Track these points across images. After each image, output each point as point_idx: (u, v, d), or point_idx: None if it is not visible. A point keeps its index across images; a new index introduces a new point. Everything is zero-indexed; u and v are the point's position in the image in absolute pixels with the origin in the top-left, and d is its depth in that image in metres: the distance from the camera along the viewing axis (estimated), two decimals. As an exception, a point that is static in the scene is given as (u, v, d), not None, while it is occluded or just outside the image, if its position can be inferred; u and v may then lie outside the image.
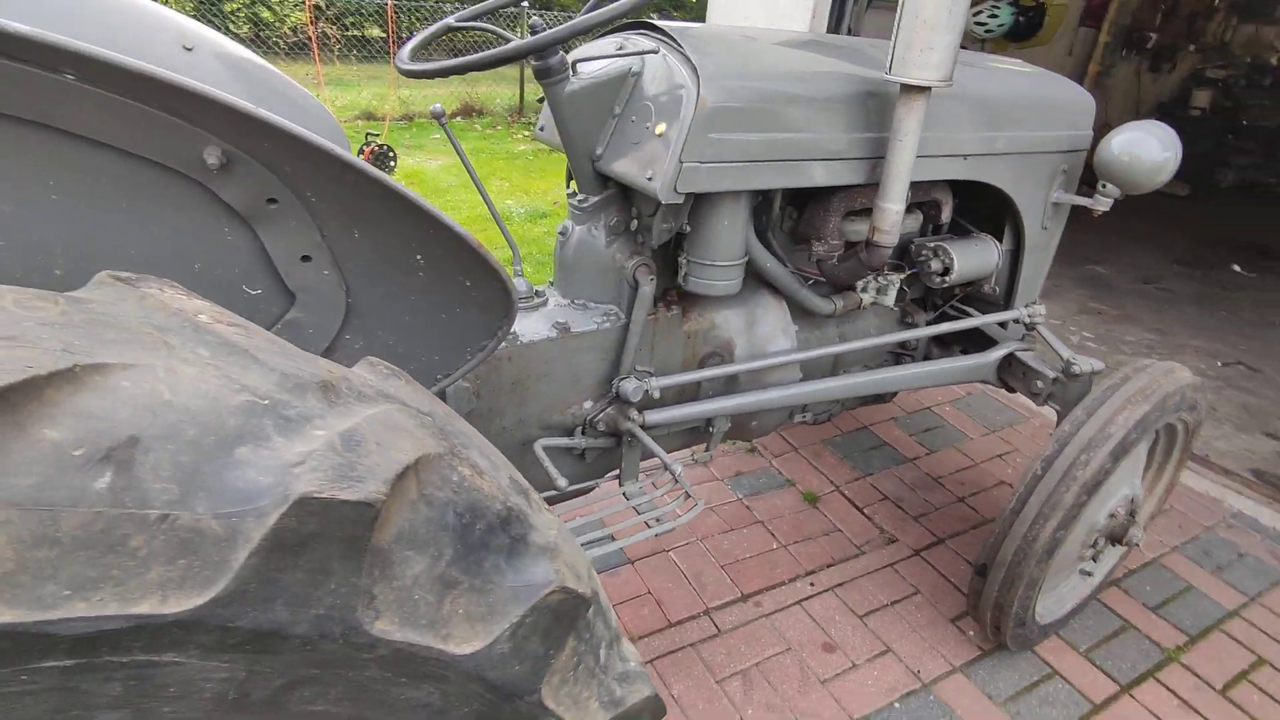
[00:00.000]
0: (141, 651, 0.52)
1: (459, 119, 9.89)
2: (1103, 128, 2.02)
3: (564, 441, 1.75)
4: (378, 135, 6.78)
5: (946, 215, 2.06)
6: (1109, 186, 1.96)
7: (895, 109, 1.57)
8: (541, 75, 1.46)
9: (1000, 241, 2.13)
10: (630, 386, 1.69)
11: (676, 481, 1.72)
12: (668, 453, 1.72)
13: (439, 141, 8.26)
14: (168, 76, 0.69)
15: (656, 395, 1.73)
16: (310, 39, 8.71)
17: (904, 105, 1.55)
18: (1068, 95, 2.14)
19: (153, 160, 0.79)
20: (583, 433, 1.78)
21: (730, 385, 1.93)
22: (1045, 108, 2.04)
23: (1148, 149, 1.87)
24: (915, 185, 1.67)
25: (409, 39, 1.60)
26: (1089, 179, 2.06)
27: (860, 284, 2.00)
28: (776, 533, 2.59)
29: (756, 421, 2.06)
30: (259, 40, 10.08)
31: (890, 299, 2.04)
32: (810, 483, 2.88)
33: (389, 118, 8.77)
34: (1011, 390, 2.34)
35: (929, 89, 1.52)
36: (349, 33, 11.17)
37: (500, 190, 6.78)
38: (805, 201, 1.90)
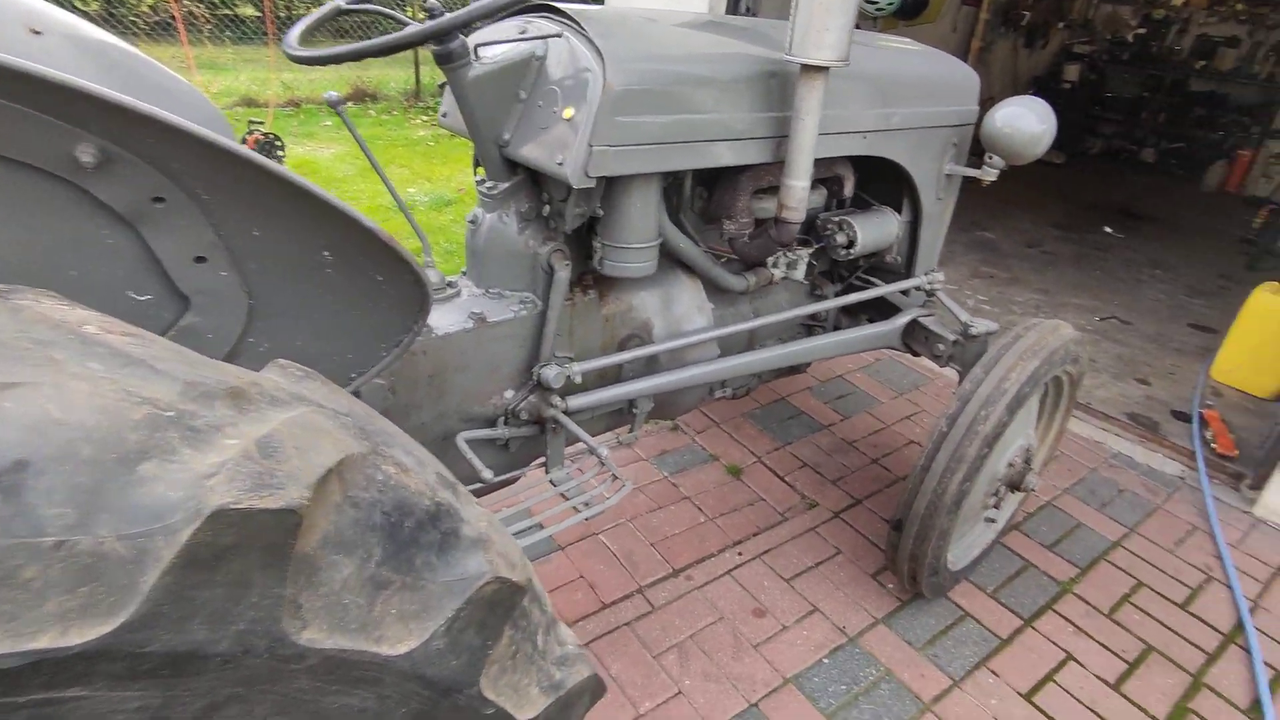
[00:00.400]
0: (41, 689, 0.48)
1: (351, 104, 9.38)
2: (985, 100, 2.14)
3: (486, 433, 1.73)
4: (262, 123, 6.34)
5: (849, 190, 2.14)
6: (994, 158, 2.09)
7: (796, 89, 1.61)
8: (443, 60, 1.42)
9: (899, 213, 2.24)
10: (551, 373, 1.68)
11: (603, 464, 1.72)
12: (592, 436, 1.72)
13: (330, 129, 7.86)
14: (30, 69, 0.63)
15: (578, 380, 1.72)
16: (175, 18, 8.02)
17: (804, 85, 1.59)
18: (955, 73, 2.26)
19: (14, 160, 0.72)
20: (505, 423, 1.76)
21: (651, 365, 1.95)
22: (935, 85, 2.14)
23: (1027, 123, 2.00)
24: (819, 162, 1.72)
25: (289, 19, 1.51)
26: (977, 150, 2.19)
27: (771, 260, 2.05)
28: (703, 506, 2.65)
29: (678, 399, 2.09)
30: (113, 19, 9.12)
31: (800, 273, 2.11)
32: (733, 455, 2.95)
33: (272, 104, 8.26)
34: (916, 354, 2.47)
35: (827, 69, 1.56)
36: (219, 11, 10.37)
37: (401, 178, 6.53)
38: (715, 181, 1.93)
